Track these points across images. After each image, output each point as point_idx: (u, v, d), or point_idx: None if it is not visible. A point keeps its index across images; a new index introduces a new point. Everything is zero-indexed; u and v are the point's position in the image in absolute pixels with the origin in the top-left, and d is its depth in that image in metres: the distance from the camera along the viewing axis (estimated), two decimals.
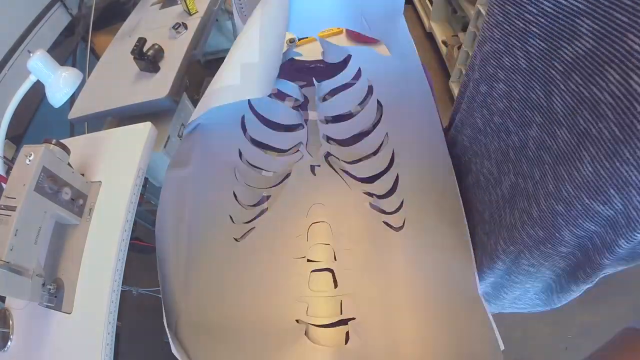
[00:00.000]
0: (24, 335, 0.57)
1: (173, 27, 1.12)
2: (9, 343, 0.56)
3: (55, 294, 0.57)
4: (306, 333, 0.42)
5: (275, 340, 0.43)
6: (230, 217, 0.51)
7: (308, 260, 0.51)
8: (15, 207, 0.52)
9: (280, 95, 0.67)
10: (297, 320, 0.45)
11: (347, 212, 0.54)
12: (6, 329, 0.57)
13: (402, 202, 0.50)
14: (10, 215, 0.51)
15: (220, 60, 0.53)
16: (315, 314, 0.46)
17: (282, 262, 0.51)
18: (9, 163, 0.68)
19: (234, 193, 0.55)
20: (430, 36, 2.10)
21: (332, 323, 0.44)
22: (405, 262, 0.48)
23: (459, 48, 1.69)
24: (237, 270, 0.49)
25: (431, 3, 2.03)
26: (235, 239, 0.51)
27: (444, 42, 1.90)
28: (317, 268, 0.50)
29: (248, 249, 0.51)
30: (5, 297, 0.59)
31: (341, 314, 0.45)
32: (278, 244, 0.53)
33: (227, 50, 0.53)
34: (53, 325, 0.56)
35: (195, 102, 1.06)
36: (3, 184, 0.64)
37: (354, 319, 0.44)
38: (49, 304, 0.56)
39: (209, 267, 0.49)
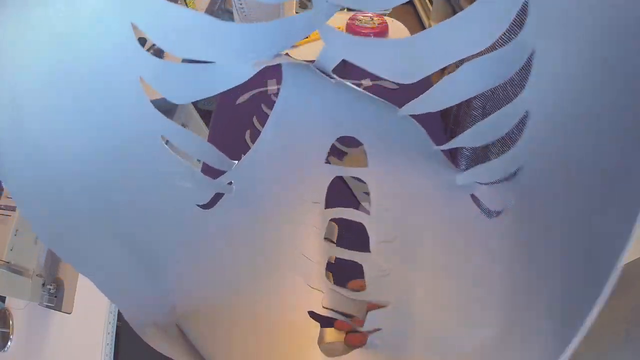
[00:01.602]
0: (24, 335, 0.56)
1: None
2: (9, 343, 0.56)
3: (55, 294, 0.57)
4: (320, 341, 0.30)
5: (282, 338, 0.31)
6: (177, 180, 0.28)
7: (326, 239, 0.33)
8: (15, 207, 0.52)
9: None
10: (309, 313, 0.32)
11: (402, 167, 0.28)
12: (6, 329, 0.56)
13: (517, 170, 0.23)
14: (10, 215, 0.51)
15: None
16: (330, 306, 0.32)
17: (288, 237, 0.32)
18: None
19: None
20: None
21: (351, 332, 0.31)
22: (481, 272, 0.26)
23: None
24: (216, 244, 0.31)
25: (431, 3, 2.03)
26: (201, 206, 0.29)
27: None
28: (336, 255, 0.33)
29: (227, 218, 0.30)
30: (5, 297, 0.59)
31: (364, 323, 0.29)
32: (277, 210, 0.32)
33: None
34: (53, 325, 0.56)
35: (194, 103, 1.06)
36: (3, 184, 0.64)
37: (379, 330, 0.29)
38: (49, 304, 0.56)
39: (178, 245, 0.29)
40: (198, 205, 0.28)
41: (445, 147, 0.26)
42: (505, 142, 0.28)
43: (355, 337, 0.31)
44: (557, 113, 0.20)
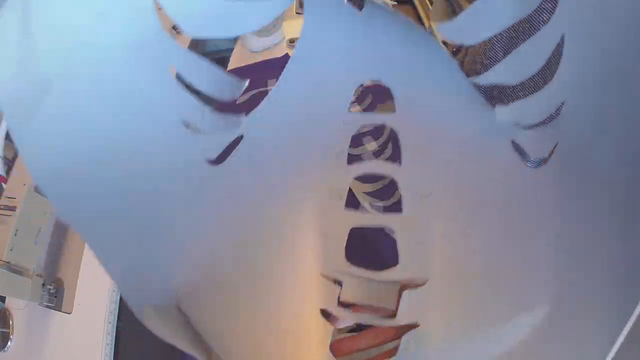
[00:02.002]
0: (24, 335, 0.56)
1: (173, 27, 1.12)
2: (9, 343, 0.56)
3: (55, 294, 0.57)
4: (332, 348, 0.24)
5: (291, 325, 0.26)
6: (186, 124, 0.23)
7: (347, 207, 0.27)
8: (15, 207, 0.52)
9: None
10: (322, 311, 0.25)
11: (434, 108, 0.25)
12: (6, 329, 0.57)
13: (561, 104, 0.20)
14: (10, 215, 0.51)
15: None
16: (352, 300, 0.25)
17: (301, 204, 0.27)
18: (9, 163, 0.68)
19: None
20: None
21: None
22: (525, 235, 0.22)
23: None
24: (218, 212, 0.26)
25: (431, 3, 2.03)
26: (210, 162, 0.25)
27: (444, 42, 1.90)
28: (362, 224, 0.27)
29: (235, 179, 0.26)
30: (5, 297, 0.59)
31: (395, 316, 0.24)
32: (293, 168, 0.27)
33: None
34: (53, 325, 0.56)
35: None
36: (3, 184, 0.64)
37: (417, 326, 0.23)
38: (49, 304, 0.56)
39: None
40: (208, 164, 0.25)
41: (481, 80, 0.22)
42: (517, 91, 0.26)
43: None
44: (596, 37, 0.17)
